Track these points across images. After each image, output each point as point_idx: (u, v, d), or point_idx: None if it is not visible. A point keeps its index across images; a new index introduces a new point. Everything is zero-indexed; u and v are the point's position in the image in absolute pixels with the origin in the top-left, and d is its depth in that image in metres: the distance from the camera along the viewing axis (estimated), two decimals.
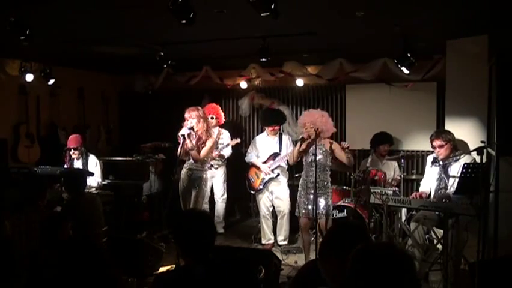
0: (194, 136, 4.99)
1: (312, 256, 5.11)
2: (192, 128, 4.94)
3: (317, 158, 4.71)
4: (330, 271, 2.10)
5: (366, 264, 1.65)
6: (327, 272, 2.12)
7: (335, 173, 6.64)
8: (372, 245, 1.81)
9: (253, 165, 5.98)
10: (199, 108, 5.16)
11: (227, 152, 6.34)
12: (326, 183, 4.81)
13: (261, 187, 5.86)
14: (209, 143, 5.07)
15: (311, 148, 4.79)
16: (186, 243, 2.18)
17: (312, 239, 5.53)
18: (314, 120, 4.72)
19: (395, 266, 1.63)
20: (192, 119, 4.96)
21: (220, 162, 6.33)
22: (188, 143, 4.92)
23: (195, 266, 2.12)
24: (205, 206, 6.26)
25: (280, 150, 5.86)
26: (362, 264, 1.66)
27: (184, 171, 5.22)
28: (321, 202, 4.75)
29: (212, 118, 6.15)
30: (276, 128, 5.94)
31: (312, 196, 4.74)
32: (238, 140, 6.42)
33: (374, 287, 1.61)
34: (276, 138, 5.94)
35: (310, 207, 4.77)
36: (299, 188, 4.97)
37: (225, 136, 6.40)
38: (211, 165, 6.14)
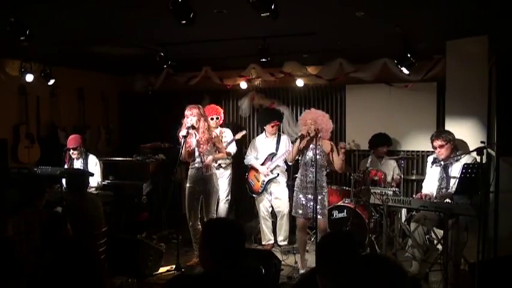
0: (194, 135, 4.98)
1: (308, 256, 5.13)
2: (190, 127, 4.92)
3: (316, 157, 4.71)
4: (325, 283, 2.12)
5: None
6: (321, 283, 2.14)
7: (335, 173, 6.64)
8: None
9: (252, 167, 5.98)
10: (200, 106, 5.12)
11: (232, 148, 6.27)
12: (322, 183, 4.81)
13: (262, 189, 5.85)
14: (218, 139, 5.17)
15: (310, 146, 4.78)
16: (217, 249, 2.21)
17: (312, 239, 5.54)
18: (315, 117, 4.72)
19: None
20: (192, 116, 4.93)
21: (227, 161, 6.28)
22: (193, 142, 4.92)
23: (222, 273, 2.14)
24: (223, 205, 6.21)
25: (277, 150, 5.86)
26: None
27: (192, 172, 5.16)
28: (324, 200, 4.76)
29: (215, 119, 6.05)
30: (277, 123, 5.94)
31: (309, 196, 4.74)
32: (244, 132, 6.39)
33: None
34: (275, 138, 5.94)
35: (309, 207, 4.76)
36: (295, 188, 4.95)
37: (228, 134, 6.34)
38: (219, 165, 6.07)
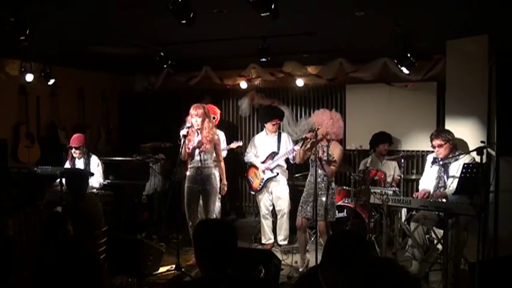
0: (197, 134, 4.98)
1: (309, 256, 5.12)
2: (190, 127, 4.93)
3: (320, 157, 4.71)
4: (330, 281, 2.11)
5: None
6: (327, 281, 2.12)
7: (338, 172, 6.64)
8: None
9: (252, 165, 5.98)
10: (205, 106, 5.11)
11: (223, 153, 6.29)
12: (328, 183, 4.77)
13: (261, 187, 5.85)
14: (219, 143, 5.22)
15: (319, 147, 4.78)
16: (208, 254, 2.16)
17: (312, 239, 5.54)
18: (321, 121, 4.71)
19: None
20: (197, 117, 4.93)
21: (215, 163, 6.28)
22: (195, 140, 4.93)
23: (217, 281, 2.10)
24: (218, 205, 6.23)
25: (278, 149, 5.85)
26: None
27: (190, 172, 5.17)
28: (322, 201, 4.70)
29: (211, 118, 6.08)
30: (278, 122, 5.93)
31: (322, 198, 4.72)
32: (240, 143, 6.36)
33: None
34: (275, 137, 5.93)
35: (308, 207, 4.76)
36: (305, 189, 4.91)
37: (221, 137, 6.35)
38: None
